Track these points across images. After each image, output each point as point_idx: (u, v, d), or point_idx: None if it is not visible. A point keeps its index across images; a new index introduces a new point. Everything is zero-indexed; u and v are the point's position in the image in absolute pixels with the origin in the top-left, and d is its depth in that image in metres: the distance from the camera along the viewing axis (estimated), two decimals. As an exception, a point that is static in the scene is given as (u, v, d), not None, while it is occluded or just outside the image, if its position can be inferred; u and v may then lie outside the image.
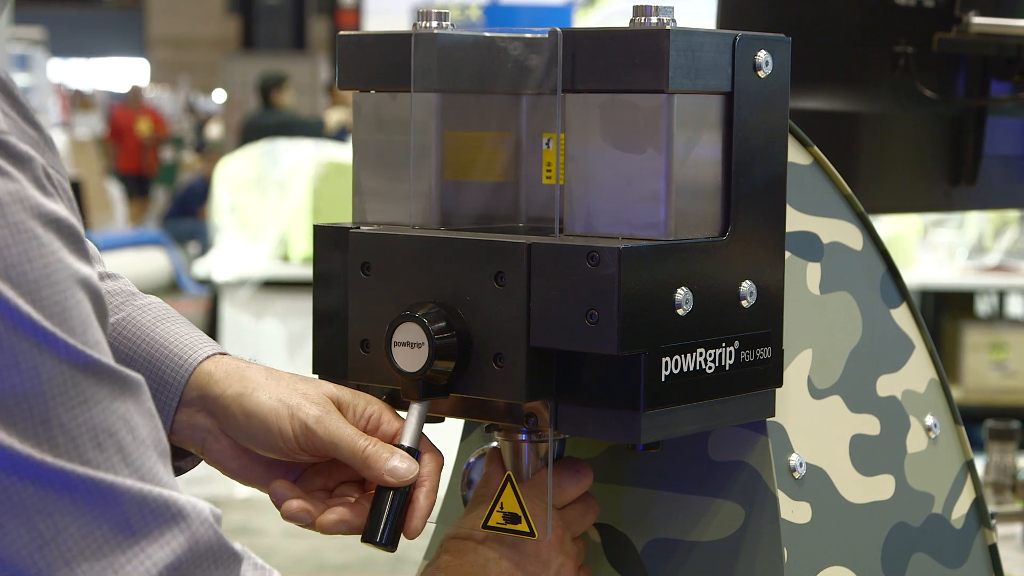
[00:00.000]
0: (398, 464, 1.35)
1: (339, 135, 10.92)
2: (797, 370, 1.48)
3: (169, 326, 1.43)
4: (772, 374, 1.41)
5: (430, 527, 1.59)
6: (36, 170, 1.07)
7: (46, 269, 1.05)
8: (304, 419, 1.36)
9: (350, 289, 1.40)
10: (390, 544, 1.33)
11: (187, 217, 13.76)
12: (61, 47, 25.00)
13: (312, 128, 10.90)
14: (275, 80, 11.61)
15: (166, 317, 1.44)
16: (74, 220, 1.09)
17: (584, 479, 1.43)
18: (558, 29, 1.35)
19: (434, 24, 1.42)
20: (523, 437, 1.42)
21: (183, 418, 1.40)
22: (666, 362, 1.31)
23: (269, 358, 1.98)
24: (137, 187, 17.83)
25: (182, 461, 1.46)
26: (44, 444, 1.04)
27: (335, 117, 11.67)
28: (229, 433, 1.39)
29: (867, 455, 1.53)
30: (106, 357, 1.08)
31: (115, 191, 17.94)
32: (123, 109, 18.62)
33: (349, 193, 1.49)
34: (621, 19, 1.37)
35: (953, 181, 2.21)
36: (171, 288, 12.59)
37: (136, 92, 18.89)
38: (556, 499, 1.41)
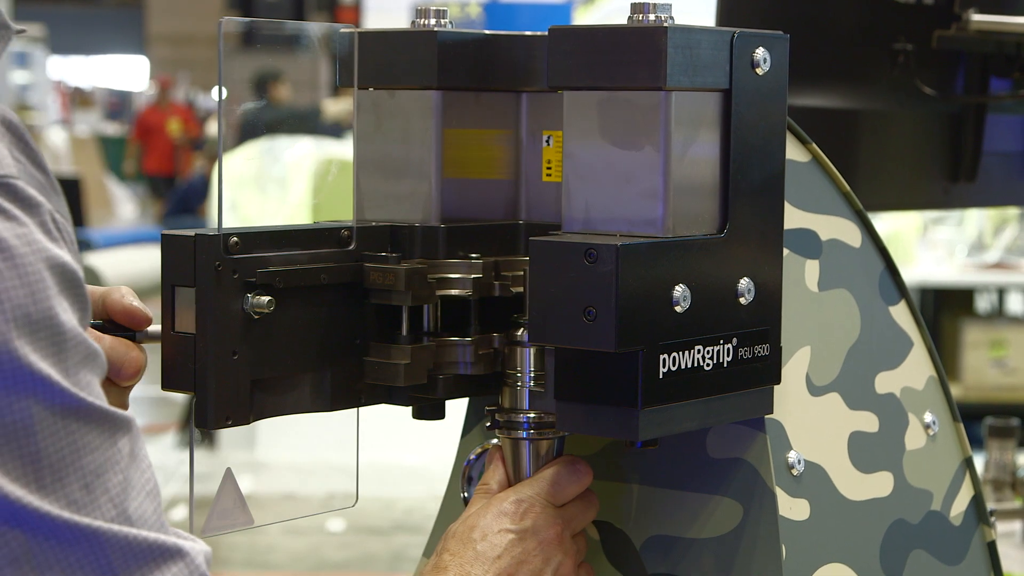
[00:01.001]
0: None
1: (335, 131, 10.91)
2: (795, 367, 1.48)
3: None
4: (770, 371, 1.41)
5: (429, 524, 1.59)
6: (44, 215, 1.10)
7: (49, 312, 1.07)
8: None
9: None
10: None
11: (187, 215, 13.74)
12: (61, 44, 25.00)
13: (309, 118, 10.87)
14: (271, 76, 11.59)
15: None
16: (77, 267, 1.12)
17: (583, 476, 1.43)
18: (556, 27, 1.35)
19: (432, 21, 1.43)
20: (524, 435, 1.43)
21: None
22: (664, 359, 1.31)
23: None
24: (166, 189, 17.19)
25: None
26: (32, 484, 1.06)
27: (333, 108, 11.65)
28: None
29: (866, 452, 1.53)
30: (99, 400, 1.11)
31: (116, 189, 17.84)
32: (152, 109, 17.89)
33: (350, 190, 1.49)
34: (620, 17, 1.37)
35: (952, 178, 2.21)
36: (171, 285, 12.56)
37: (164, 90, 18.08)
38: (556, 497, 1.41)
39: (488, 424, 1.46)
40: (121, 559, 1.09)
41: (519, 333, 1.43)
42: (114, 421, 1.11)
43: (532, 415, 1.43)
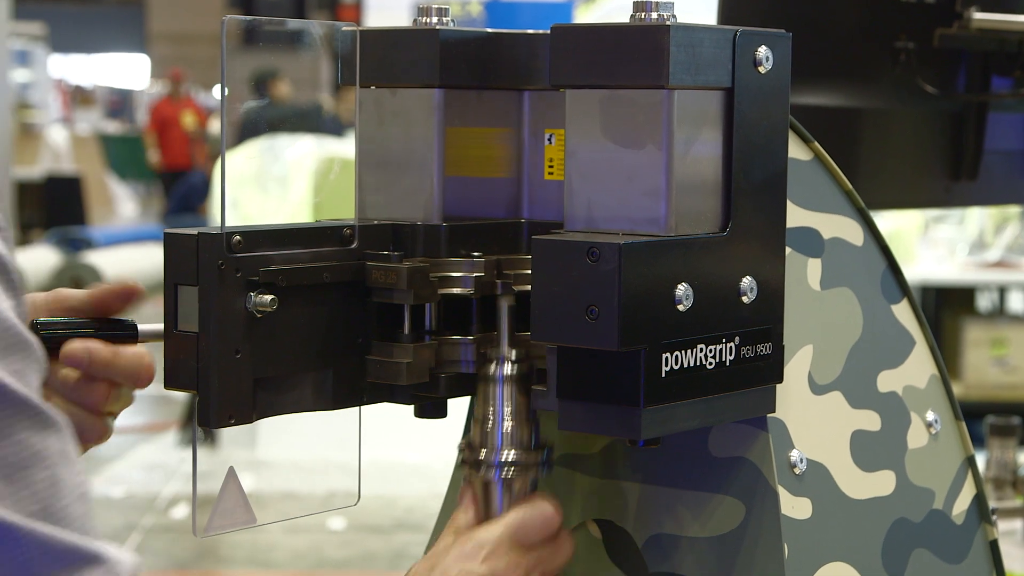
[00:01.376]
0: None
1: (336, 129, 10.91)
2: (798, 366, 1.48)
3: None
4: (773, 370, 1.41)
5: (430, 523, 1.59)
6: None
7: None
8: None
9: None
10: None
11: (188, 213, 13.74)
12: (62, 43, 25.01)
13: (311, 115, 10.86)
14: (269, 74, 11.58)
15: None
16: (6, 252, 1.07)
17: (551, 520, 1.38)
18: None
19: (434, 19, 1.43)
20: (495, 476, 1.39)
21: None
22: (666, 358, 1.31)
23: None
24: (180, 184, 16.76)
25: None
26: None
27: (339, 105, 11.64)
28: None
29: (868, 451, 1.53)
30: (26, 389, 1.04)
31: (116, 187, 17.78)
32: (166, 102, 17.43)
33: (351, 189, 1.49)
34: (622, 15, 1.37)
35: (954, 177, 2.21)
36: (172, 284, 12.56)
37: (176, 83, 17.52)
38: (521, 540, 1.37)
39: (458, 463, 1.43)
40: (39, 559, 1.02)
41: (491, 368, 1.39)
42: (44, 416, 1.05)
43: (504, 456, 1.39)
